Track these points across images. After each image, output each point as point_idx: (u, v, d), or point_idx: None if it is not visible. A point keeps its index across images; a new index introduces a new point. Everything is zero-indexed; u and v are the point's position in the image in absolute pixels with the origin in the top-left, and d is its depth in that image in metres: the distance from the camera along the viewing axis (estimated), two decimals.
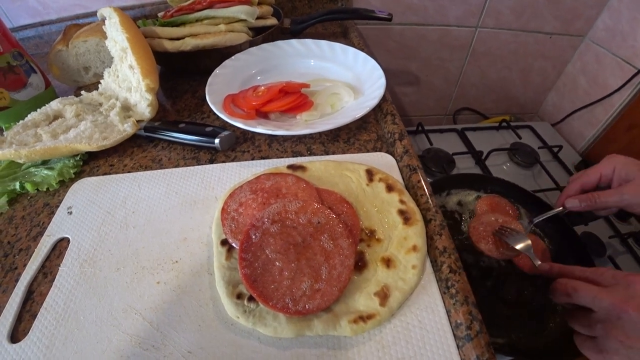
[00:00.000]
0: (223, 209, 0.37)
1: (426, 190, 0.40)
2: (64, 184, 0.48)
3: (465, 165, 0.87)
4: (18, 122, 0.53)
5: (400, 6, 0.90)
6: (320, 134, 0.50)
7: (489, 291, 0.55)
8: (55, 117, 0.55)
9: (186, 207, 0.42)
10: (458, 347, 0.30)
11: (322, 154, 0.48)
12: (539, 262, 0.44)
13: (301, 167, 0.42)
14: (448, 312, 0.32)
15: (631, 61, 0.86)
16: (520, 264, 0.52)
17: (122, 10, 0.57)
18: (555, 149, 0.92)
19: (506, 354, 0.48)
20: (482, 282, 0.57)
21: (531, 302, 0.54)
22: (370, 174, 0.42)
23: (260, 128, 0.46)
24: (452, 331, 0.31)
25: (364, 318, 0.30)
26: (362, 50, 0.62)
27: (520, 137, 0.95)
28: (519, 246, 0.46)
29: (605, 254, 0.67)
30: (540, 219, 0.54)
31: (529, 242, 0.46)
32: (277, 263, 0.32)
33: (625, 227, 0.75)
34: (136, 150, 0.52)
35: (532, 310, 0.54)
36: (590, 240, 0.69)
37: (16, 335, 0.33)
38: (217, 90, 0.54)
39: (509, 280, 0.57)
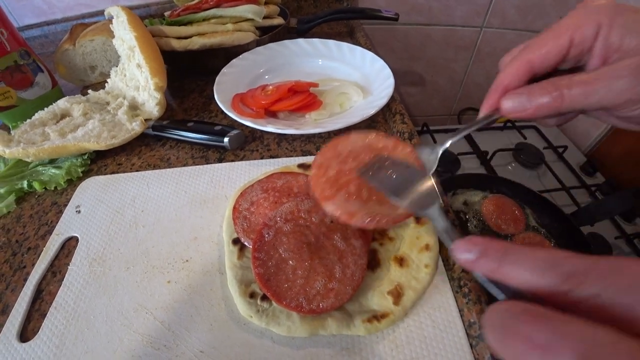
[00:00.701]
0: (234, 207, 0.37)
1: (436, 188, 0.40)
2: (72, 183, 0.47)
3: (470, 165, 0.86)
4: (25, 121, 0.52)
5: (405, 6, 0.90)
6: (329, 133, 0.50)
7: None
8: (63, 116, 0.55)
9: (196, 206, 0.42)
10: (471, 346, 0.30)
11: None
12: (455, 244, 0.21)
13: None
14: (461, 311, 0.32)
15: None
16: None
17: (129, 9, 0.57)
18: (560, 149, 0.92)
19: None
20: None
21: None
22: None
23: (270, 127, 0.45)
24: (465, 330, 0.31)
25: (377, 317, 0.30)
26: (369, 50, 0.62)
27: (525, 138, 0.95)
28: (404, 203, 0.26)
29: (611, 254, 0.67)
30: (455, 139, 0.30)
31: (439, 199, 0.27)
32: (291, 262, 0.31)
33: (631, 227, 0.75)
34: (144, 149, 0.51)
35: None
36: (596, 241, 0.69)
37: (26, 334, 0.33)
38: (225, 89, 0.54)
39: None
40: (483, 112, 0.28)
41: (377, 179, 0.28)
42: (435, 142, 0.90)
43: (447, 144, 0.30)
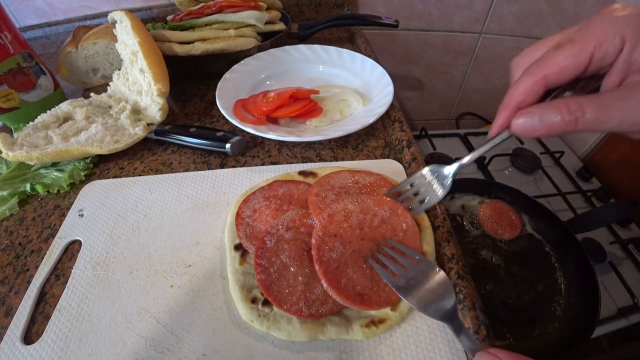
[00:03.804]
0: (238, 214, 0.38)
1: None
2: (75, 186, 0.48)
3: (467, 170, 0.87)
4: (27, 123, 0.53)
5: (405, 12, 0.91)
6: (329, 140, 0.51)
7: (489, 295, 0.56)
8: (65, 119, 0.55)
9: (198, 211, 0.42)
10: (466, 351, 0.31)
11: (331, 160, 0.49)
12: None
13: (312, 174, 0.43)
14: None
15: None
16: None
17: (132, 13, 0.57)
18: (557, 155, 0.93)
19: None
20: (482, 286, 0.58)
21: (531, 306, 0.55)
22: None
23: (271, 134, 0.46)
24: None
25: (375, 322, 0.31)
26: (369, 56, 0.63)
27: (522, 143, 0.96)
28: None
29: (605, 259, 0.68)
30: (466, 162, 0.32)
31: (454, 298, 0.30)
32: (292, 269, 0.32)
33: (625, 232, 0.76)
34: (146, 153, 0.52)
35: (531, 314, 0.55)
36: (590, 247, 0.70)
37: (30, 337, 0.34)
38: (227, 95, 0.54)
39: (510, 284, 0.57)
40: (495, 131, 0.27)
41: (384, 273, 0.32)
42: (434, 147, 0.91)
43: (457, 168, 0.33)
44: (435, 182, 0.35)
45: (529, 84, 0.24)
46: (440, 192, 0.34)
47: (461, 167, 0.33)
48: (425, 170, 0.35)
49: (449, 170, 0.33)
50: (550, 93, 0.25)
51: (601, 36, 0.22)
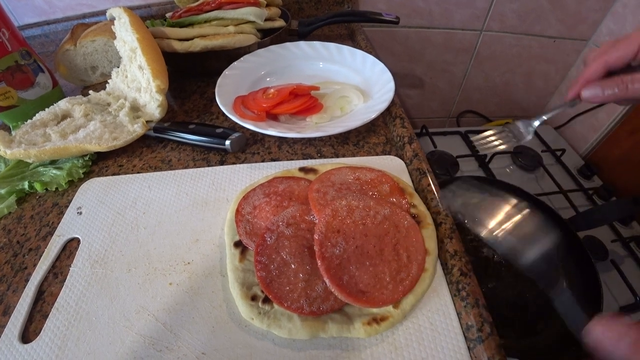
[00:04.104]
0: (237, 211, 0.37)
1: (436, 193, 0.41)
2: (73, 184, 0.48)
3: (469, 168, 0.87)
4: (25, 121, 0.52)
5: (405, 9, 0.91)
6: (330, 136, 0.51)
7: (491, 293, 0.56)
8: (64, 117, 0.55)
9: (197, 208, 0.42)
10: (469, 348, 0.31)
11: (332, 157, 0.48)
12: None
13: (312, 170, 0.42)
14: (459, 314, 0.33)
15: None
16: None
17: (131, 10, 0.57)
18: (558, 153, 0.92)
19: (507, 355, 0.48)
20: (483, 284, 0.57)
21: (531, 304, 0.55)
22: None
23: (271, 130, 0.46)
24: (463, 333, 0.31)
25: (377, 320, 0.31)
26: (370, 53, 0.62)
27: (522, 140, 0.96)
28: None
29: (607, 257, 0.68)
30: (544, 119, 0.41)
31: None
32: (292, 265, 0.32)
33: (627, 231, 0.76)
34: (145, 150, 0.52)
35: (532, 313, 0.54)
36: (592, 245, 0.70)
37: (27, 335, 0.33)
38: (226, 91, 0.54)
39: (511, 282, 0.57)
40: (570, 97, 0.37)
41: None
42: (434, 145, 0.91)
43: (536, 125, 0.41)
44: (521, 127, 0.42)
45: (595, 66, 0.34)
46: (528, 136, 0.41)
47: (542, 122, 0.41)
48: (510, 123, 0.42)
49: (534, 121, 0.41)
50: (610, 75, 0.34)
51: None
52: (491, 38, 0.99)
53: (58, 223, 0.42)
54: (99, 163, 0.50)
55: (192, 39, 0.60)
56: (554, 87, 1.13)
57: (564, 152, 0.92)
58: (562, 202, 0.77)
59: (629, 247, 0.71)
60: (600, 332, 0.26)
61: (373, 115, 0.48)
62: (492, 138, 0.42)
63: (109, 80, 0.61)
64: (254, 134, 0.52)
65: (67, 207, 0.44)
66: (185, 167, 0.48)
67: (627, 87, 0.32)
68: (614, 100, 0.34)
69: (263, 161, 0.48)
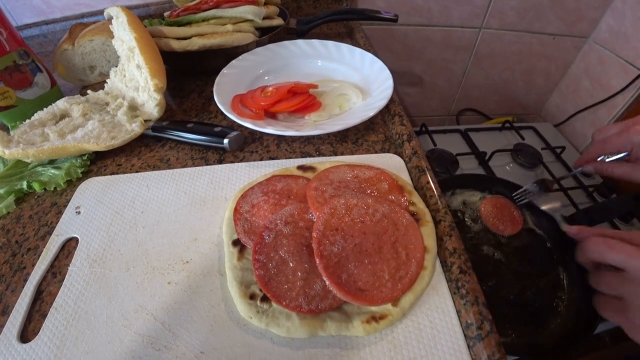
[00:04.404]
0: (236, 209, 0.37)
1: (435, 191, 0.41)
2: (72, 184, 0.47)
3: (468, 165, 0.87)
4: (24, 121, 0.52)
5: (404, 7, 0.90)
6: (328, 134, 0.50)
7: (491, 291, 0.56)
8: (62, 117, 0.54)
9: (195, 207, 0.42)
10: (469, 346, 0.30)
11: (330, 155, 0.48)
12: (567, 227, 0.46)
13: (311, 168, 0.42)
14: (458, 312, 0.32)
15: (634, 63, 0.86)
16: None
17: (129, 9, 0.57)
18: (558, 150, 0.92)
19: (507, 353, 0.48)
20: (484, 282, 0.57)
21: (533, 302, 0.55)
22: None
23: (269, 129, 0.46)
24: (463, 331, 0.31)
25: (376, 318, 0.30)
26: (369, 51, 0.62)
27: (523, 138, 0.95)
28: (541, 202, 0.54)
29: None
30: (566, 178, 0.65)
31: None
32: (291, 264, 0.32)
33: (628, 228, 0.76)
34: (144, 149, 0.52)
35: (534, 310, 0.54)
36: None
37: (26, 335, 0.33)
38: (224, 90, 0.54)
39: (511, 280, 0.57)
40: (576, 167, 0.56)
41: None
42: (434, 143, 0.90)
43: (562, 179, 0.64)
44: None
45: (593, 153, 0.52)
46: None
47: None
48: None
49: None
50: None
51: (621, 143, 0.47)
52: (490, 35, 0.99)
53: (57, 223, 0.42)
54: (98, 162, 0.50)
55: (190, 37, 0.60)
56: (553, 84, 1.13)
57: (564, 149, 0.92)
58: (562, 200, 0.77)
59: None
60: (594, 242, 0.37)
61: (372, 113, 0.48)
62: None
63: (107, 80, 0.61)
64: (252, 132, 0.52)
65: (65, 206, 0.44)
66: (184, 166, 0.48)
67: (610, 171, 0.49)
68: (607, 175, 0.51)
69: (261, 159, 0.48)
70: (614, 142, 0.48)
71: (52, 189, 0.47)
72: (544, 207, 0.62)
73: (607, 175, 0.51)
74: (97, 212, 0.42)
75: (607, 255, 0.36)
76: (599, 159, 0.51)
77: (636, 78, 0.85)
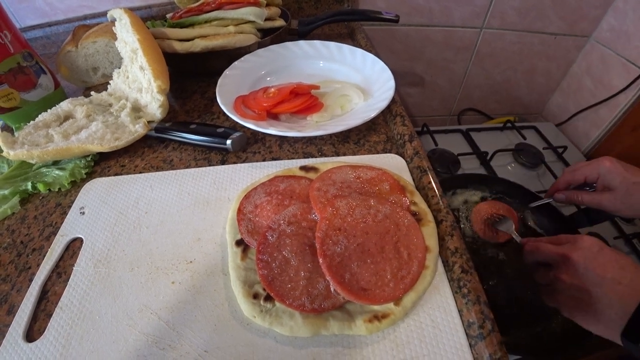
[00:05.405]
0: (239, 209, 0.38)
1: (437, 191, 0.41)
2: (76, 184, 0.48)
3: (470, 165, 0.87)
4: (28, 122, 0.53)
5: (405, 7, 0.91)
6: (330, 135, 0.51)
7: (493, 290, 0.56)
8: (66, 118, 0.55)
9: (199, 207, 0.42)
10: (470, 345, 0.31)
11: (332, 155, 0.48)
12: (520, 239, 0.51)
13: (313, 169, 0.42)
14: (460, 311, 0.33)
15: (636, 62, 0.86)
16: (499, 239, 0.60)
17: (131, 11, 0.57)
18: (560, 150, 0.92)
19: (509, 352, 0.48)
20: (484, 281, 0.57)
21: (533, 301, 0.55)
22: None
23: (272, 129, 0.46)
24: (465, 330, 0.31)
25: (378, 317, 0.31)
26: (370, 51, 0.62)
27: (525, 138, 0.96)
28: (502, 228, 0.57)
29: None
30: (533, 206, 0.64)
31: (513, 226, 0.55)
32: (294, 263, 0.32)
33: (630, 227, 0.76)
34: (147, 150, 0.52)
35: (535, 309, 0.54)
36: None
37: (32, 334, 0.33)
38: (227, 91, 0.54)
39: (512, 280, 0.57)
40: (545, 197, 0.62)
41: (493, 221, 0.60)
42: (436, 143, 0.90)
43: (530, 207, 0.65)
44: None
45: (562, 182, 0.57)
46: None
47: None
48: None
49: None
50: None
51: (589, 170, 0.53)
52: (491, 35, 0.99)
53: (61, 223, 0.42)
54: (101, 163, 0.51)
55: (192, 39, 0.60)
56: (555, 83, 1.13)
57: (565, 149, 0.92)
58: None
59: (632, 244, 0.71)
60: (528, 246, 0.47)
61: (373, 114, 0.48)
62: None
63: (110, 81, 0.61)
64: (254, 133, 0.52)
65: (70, 207, 0.44)
66: (187, 167, 0.48)
67: (577, 200, 0.54)
68: (572, 204, 0.58)
69: (264, 160, 0.48)
70: (583, 171, 0.53)
71: (57, 190, 0.47)
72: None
73: (576, 202, 0.54)
74: (101, 213, 0.43)
75: (536, 254, 0.46)
76: (570, 189, 0.57)
77: (638, 77, 0.85)
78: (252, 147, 0.51)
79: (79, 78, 0.69)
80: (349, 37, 0.82)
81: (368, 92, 0.56)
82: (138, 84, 0.56)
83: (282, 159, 0.48)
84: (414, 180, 0.44)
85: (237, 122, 0.49)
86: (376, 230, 0.34)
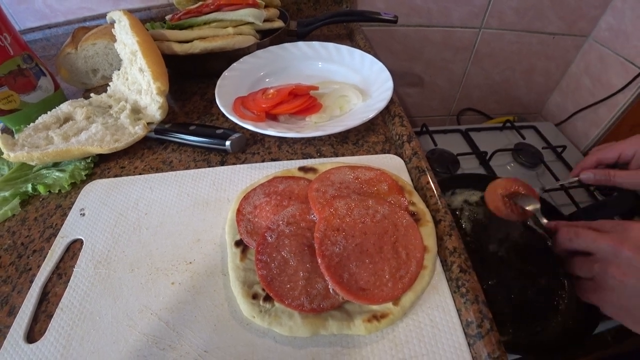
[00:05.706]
0: (238, 210, 0.38)
1: (435, 191, 0.41)
2: (76, 186, 0.48)
3: (469, 165, 0.87)
4: (28, 124, 0.53)
5: (404, 8, 0.91)
6: (329, 136, 0.51)
7: (492, 290, 0.56)
8: (66, 120, 0.55)
9: (198, 208, 0.42)
10: (469, 345, 0.31)
11: (331, 156, 0.48)
12: (546, 221, 0.44)
13: (312, 169, 0.43)
14: (459, 310, 0.33)
15: (635, 61, 0.86)
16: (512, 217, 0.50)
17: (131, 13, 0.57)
18: (559, 149, 0.92)
19: (509, 351, 0.48)
20: (483, 281, 0.57)
21: (533, 300, 0.55)
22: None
23: (271, 130, 0.46)
24: (463, 329, 0.32)
25: (377, 317, 0.31)
26: (369, 52, 0.63)
27: (524, 138, 0.96)
28: (529, 207, 0.47)
29: None
30: (553, 188, 0.61)
31: (538, 204, 0.46)
32: (293, 264, 0.32)
33: None
34: (147, 152, 0.52)
35: (534, 309, 0.54)
36: None
37: (32, 335, 0.34)
38: (226, 92, 0.54)
39: (511, 279, 0.57)
40: (571, 176, 0.55)
41: (517, 198, 0.49)
42: (435, 144, 0.91)
43: (547, 189, 0.63)
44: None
45: (590, 160, 0.52)
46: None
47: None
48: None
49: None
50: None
51: (624, 146, 0.49)
52: (490, 35, 0.99)
53: (61, 225, 0.43)
54: (101, 165, 0.51)
55: (191, 41, 0.61)
56: (554, 83, 1.13)
57: (564, 148, 0.92)
58: (563, 199, 0.77)
59: None
60: (565, 232, 0.40)
61: (372, 114, 0.48)
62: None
63: (110, 83, 0.61)
64: (253, 134, 0.53)
65: (70, 208, 0.44)
66: (186, 168, 0.48)
67: (609, 178, 0.49)
68: (601, 184, 0.51)
69: (263, 161, 0.48)
70: (617, 147, 0.48)
71: (57, 192, 0.47)
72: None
73: (607, 182, 0.49)
74: (101, 214, 0.43)
75: (575, 241, 0.39)
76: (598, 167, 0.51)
77: (636, 76, 0.85)
78: (251, 148, 0.51)
79: (79, 80, 0.69)
80: (348, 38, 0.82)
81: (367, 92, 0.56)
82: (137, 85, 0.56)
83: (281, 160, 0.48)
84: (412, 180, 0.44)
85: (236, 123, 0.49)
86: (375, 231, 0.34)
